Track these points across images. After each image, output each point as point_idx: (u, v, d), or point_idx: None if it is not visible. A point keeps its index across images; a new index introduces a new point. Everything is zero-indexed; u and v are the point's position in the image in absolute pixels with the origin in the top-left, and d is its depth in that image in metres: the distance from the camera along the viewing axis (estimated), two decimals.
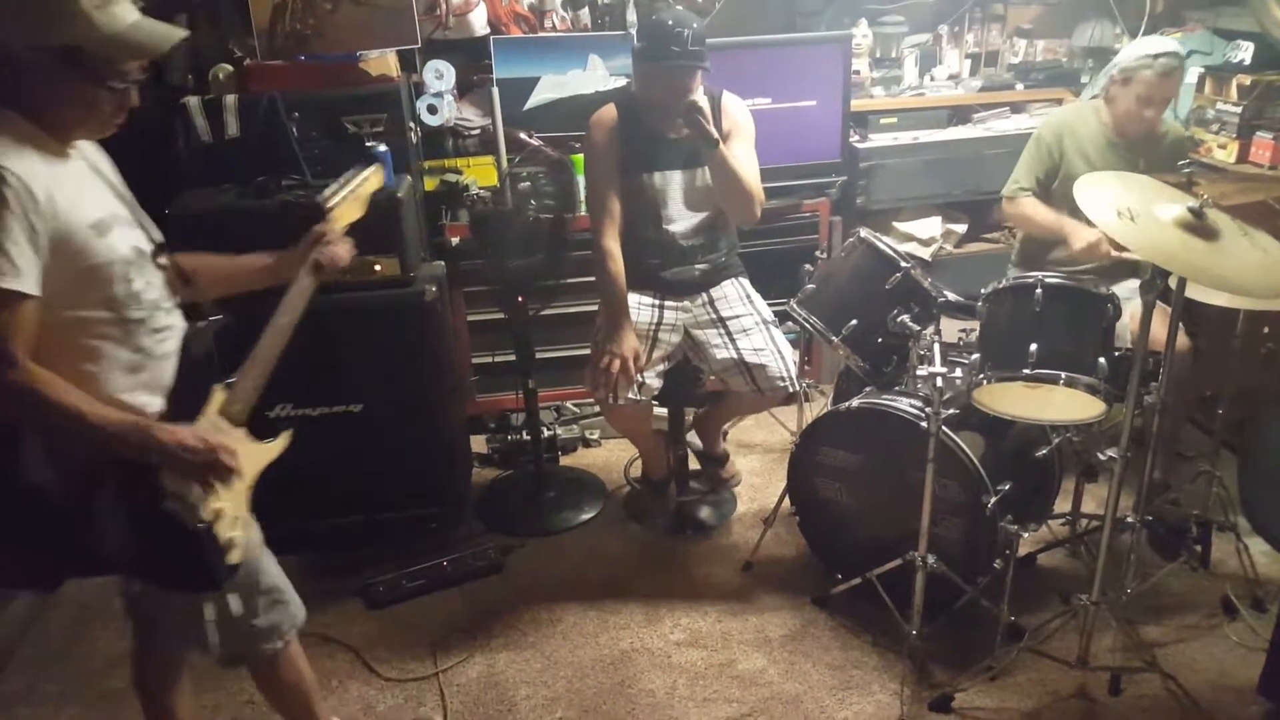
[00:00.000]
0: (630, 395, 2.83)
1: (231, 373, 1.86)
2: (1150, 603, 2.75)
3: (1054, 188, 3.13)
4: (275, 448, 1.97)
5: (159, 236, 1.87)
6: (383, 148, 2.96)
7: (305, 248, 2.01)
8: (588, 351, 3.02)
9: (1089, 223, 2.88)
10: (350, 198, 2.13)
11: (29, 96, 1.61)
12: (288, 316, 1.93)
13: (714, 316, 2.98)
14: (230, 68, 3.18)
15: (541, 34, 3.69)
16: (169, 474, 1.69)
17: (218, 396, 1.82)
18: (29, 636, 2.92)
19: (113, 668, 2.76)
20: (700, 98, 2.75)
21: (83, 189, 1.68)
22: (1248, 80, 3.45)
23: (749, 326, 2.95)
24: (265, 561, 2.04)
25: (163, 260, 1.83)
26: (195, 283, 1.91)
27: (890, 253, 2.77)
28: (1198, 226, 2.01)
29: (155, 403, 1.76)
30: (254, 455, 1.89)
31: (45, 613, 3.00)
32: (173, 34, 1.69)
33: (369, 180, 2.21)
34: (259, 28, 3.23)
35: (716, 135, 2.76)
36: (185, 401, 1.78)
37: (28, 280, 1.55)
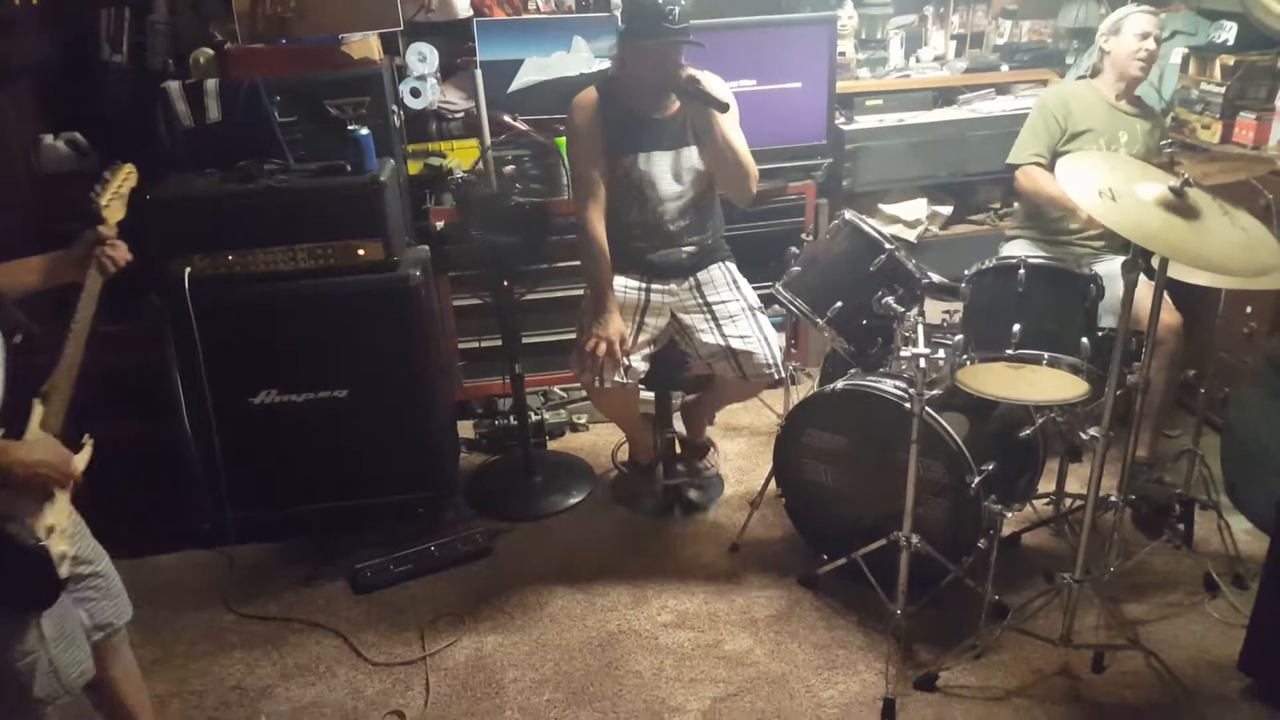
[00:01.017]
0: (616, 378, 2.83)
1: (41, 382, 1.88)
2: (1133, 581, 2.78)
3: (1060, 148, 3.16)
4: (82, 458, 1.94)
5: None
6: (365, 131, 2.95)
7: (85, 249, 2.02)
8: (574, 336, 3.02)
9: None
10: (117, 198, 2.13)
11: None
12: (81, 321, 1.95)
13: (701, 302, 2.98)
14: (211, 52, 3.17)
15: (525, 16, 3.67)
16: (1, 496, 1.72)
17: (37, 409, 1.84)
18: None
19: None
20: (695, 72, 2.74)
21: None
22: (1231, 60, 3.46)
23: (735, 313, 2.95)
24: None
25: None
26: None
27: (875, 235, 2.77)
28: (1179, 206, 2.02)
29: None
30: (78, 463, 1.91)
31: None
32: None
33: (128, 179, 2.19)
34: (239, 11, 3.20)
35: (724, 100, 2.76)
36: (11, 418, 1.80)
37: None
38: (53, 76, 3.31)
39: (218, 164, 2.96)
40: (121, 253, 2.07)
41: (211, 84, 3.00)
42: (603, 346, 2.78)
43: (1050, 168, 3.16)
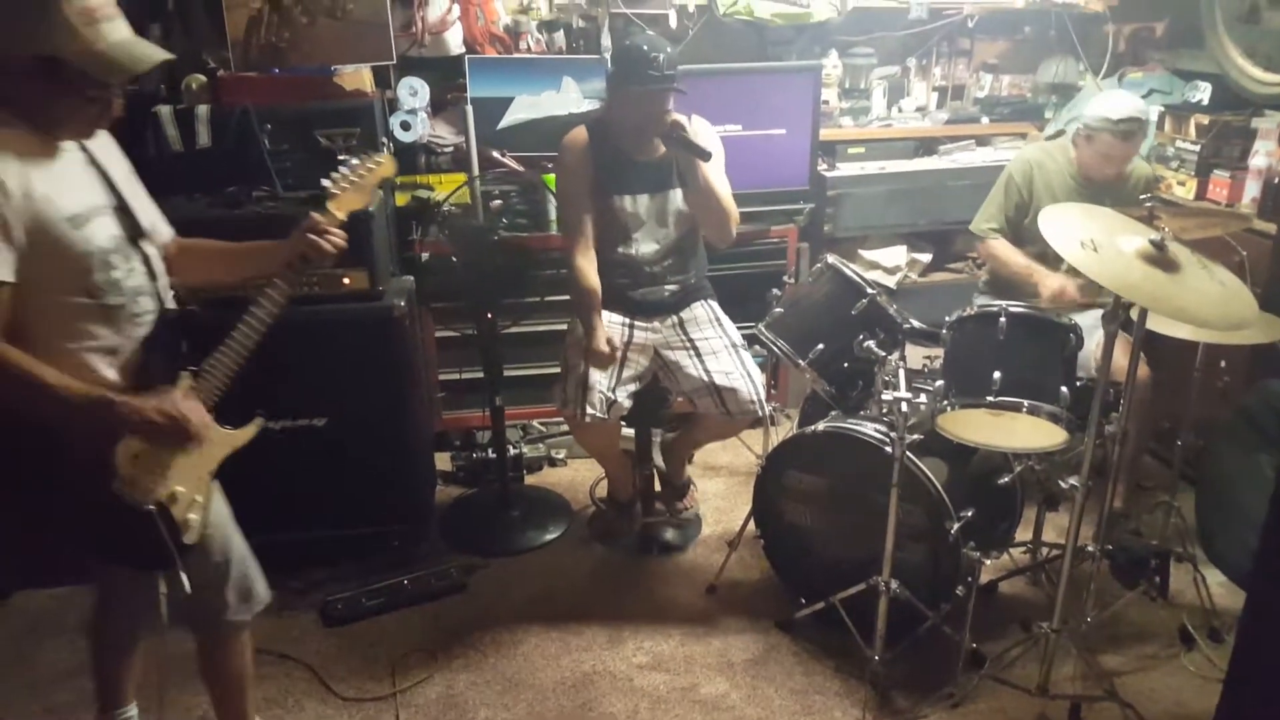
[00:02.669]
0: (598, 413, 2.82)
1: (200, 360, 1.92)
2: (1110, 632, 2.78)
3: (1024, 224, 3.21)
4: (244, 434, 2.00)
5: (151, 224, 1.95)
6: (355, 161, 2.94)
7: (296, 235, 2.01)
8: (556, 370, 3.02)
9: (1059, 262, 2.99)
10: (355, 185, 2.09)
11: (18, 96, 1.70)
12: (264, 307, 1.96)
13: (684, 338, 3.00)
14: (203, 78, 3.16)
15: (517, 55, 3.71)
16: (122, 456, 1.78)
17: (184, 381, 1.88)
18: None
19: (60, 680, 2.70)
20: (679, 116, 2.78)
21: (64, 183, 1.75)
22: (1205, 120, 3.54)
23: (718, 349, 2.97)
24: (231, 542, 2.08)
25: (146, 248, 1.89)
26: (173, 270, 2.00)
27: (857, 279, 2.80)
28: (1159, 259, 2.05)
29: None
30: (220, 441, 1.95)
31: None
32: (153, 55, 1.77)
33: (380, 168, 2.14)
34: (234, 39, 3.22)
35: (707, 148, 2.79)
36: (149, 383, 1.84)
37: (7, 268, 1.65)
38: None
39: (206, 189, 2.95)
40: (330, 243, 1.99)
41: (203, 110, 3.00)
42: (595, 356, 2.80)
43: (1011, 237, 3.23)
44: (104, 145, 1.91)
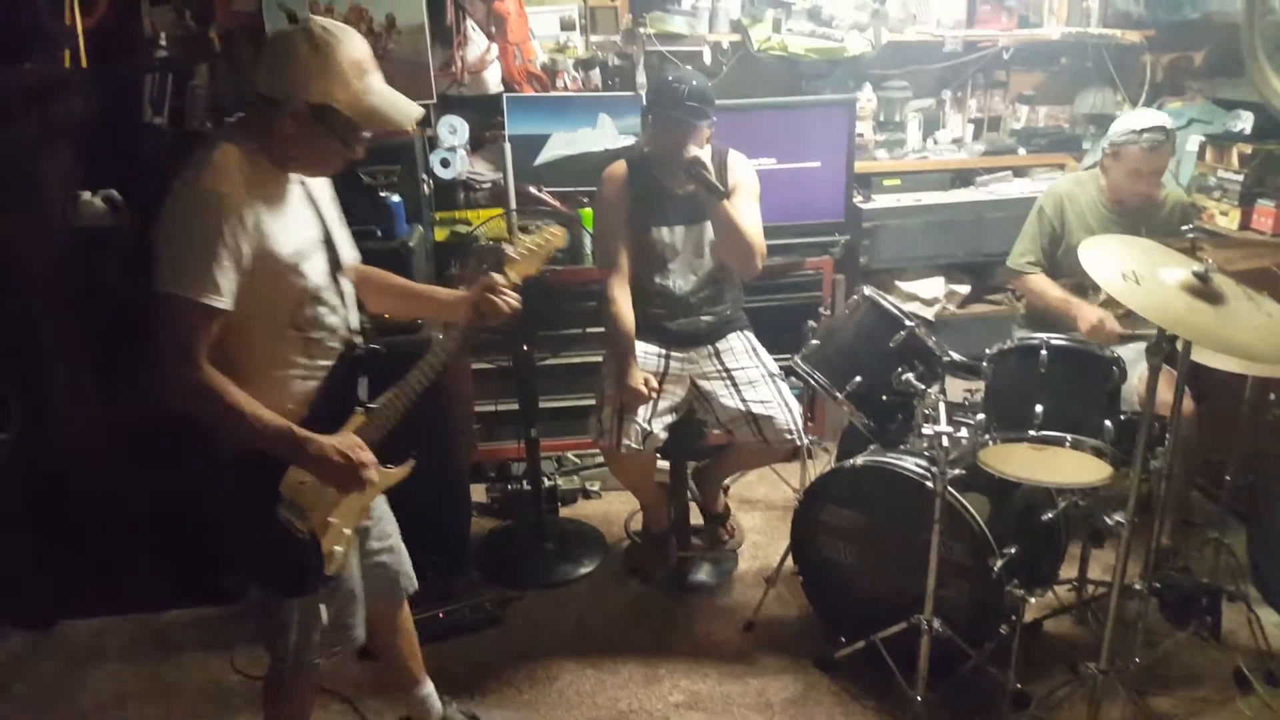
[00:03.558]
0: (633, 444, 2.82)
1: (373, 398, 2.02)
2: (1160, 673, 2.70)
3: (1059, 256, 3.18)
4: (399, 473, 2.08)
5: (348, 256, 2.01)
6: (396, 198, 3.00)
7: (476, 291, 2.07)
8: (591, 402, 3.02)
9: (1095, 294, 2.95)
10: (533, 253, 2.17)
11: (266, 134, 1.81)
12: (436, 355, 2.05)
13: (720, 368, 3.00)
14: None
15: (553, 93, 3.76)
16: (289, 483, 1.87)
17: (357, 418, 1.97)
18: (23, 675, 2.90)
19: (105, 709, 2.74)
20: (702, 153, 2.79)
21: (290, 219, 1.86)
22: (1248, 149, 3.50)
23: (755, 379, 2.96)
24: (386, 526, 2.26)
25: (345, 280, 1.99)
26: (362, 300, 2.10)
27: (895, 311, 2.78)
28: (1203, 290, 2.02)
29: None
30: (382, 477, 2.00)
31: (40, 651, 2.98)
32: (412, 111, 1.88)
33: (554, 239, 2.24)
34: None
35: (721, 186, 2.80)
36: (326, 415, 1.93)
37: (225, 298, 1.74)
38: (95, 135, 3.39)
39: None
40: (507, 303, 2.07)
41: None
42: (631, 396, 2.81)
43: (1048, 271, 3.20)
44: (317, 179, 2.00)
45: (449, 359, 2.06)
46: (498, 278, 2.07)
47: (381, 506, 2.24)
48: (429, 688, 2.50)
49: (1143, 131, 2.96)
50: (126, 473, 3.05)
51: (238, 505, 1.91)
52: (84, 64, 3.18)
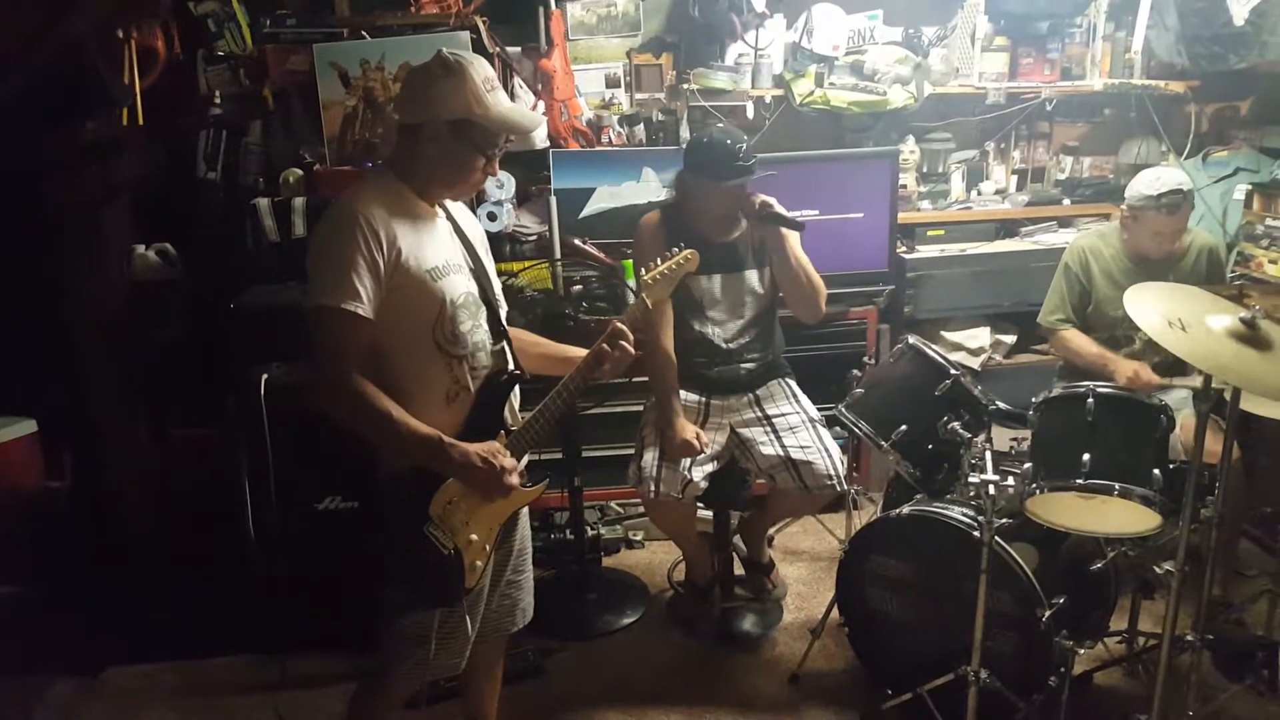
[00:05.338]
0: (673, 492, 2.83)
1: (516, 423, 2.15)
2: None
3: (1088, 313, 3.17)
4: (533, 492, 2.18)
5: (498, 290, 2.19)
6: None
7: (606, 338, 2.16)
8: (633, 451, 3.03)
9: (1128, 345, 2.93)
10: (667, 277, 2.25)
11: (415, 162, 2.00)
12: (568, 386, 2.16)
13: (760, 415, 3.00)
14: (300, 172, 3.34)
15: (598, 148, 3.83)
16: (437, 503, 1.98)
17: (500, 439, 2.07)
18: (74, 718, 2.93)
19: None
20: (766, 197, 2.85)
21: (429, 240, 2.01)
22: None
23: (795, 424, 2.96)
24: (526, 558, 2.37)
25: (495, 309, 2.13)
26: (510, 342, 2.20)
27: (940, 360, 2.78)
28: (1250, 337, 2.00)
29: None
30: (517, 496, 2.10)
31: (87, 698, 3.01)
32: (536, 119, 2.16)
33: (688, 262, 2.31)
34: (330, 135, 3.41)
35: (800, 220, 2.84)
36: (475, 434, 2.02)
37: (365, 305, 1.88)
38: (150, 190, 3.52)
39: (301, 278, 3.07)
40: (623, 353, 2.14)
41: (299, 202, 3.17)
42: (679, 447, 2.83)
43: (1080, 326, 3.18)
44: (466, 218, 2.18)
45: (582, 389, 2.17)
46: (622, 327, 2.15)
47: (526, 540, 2.36)
48: None
49: (1160, 196, 2.93)
50: (177, 522, 3.13)
51: (390, 523, 2.03)
52: (141, 122, 3.32)
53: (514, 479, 2.01)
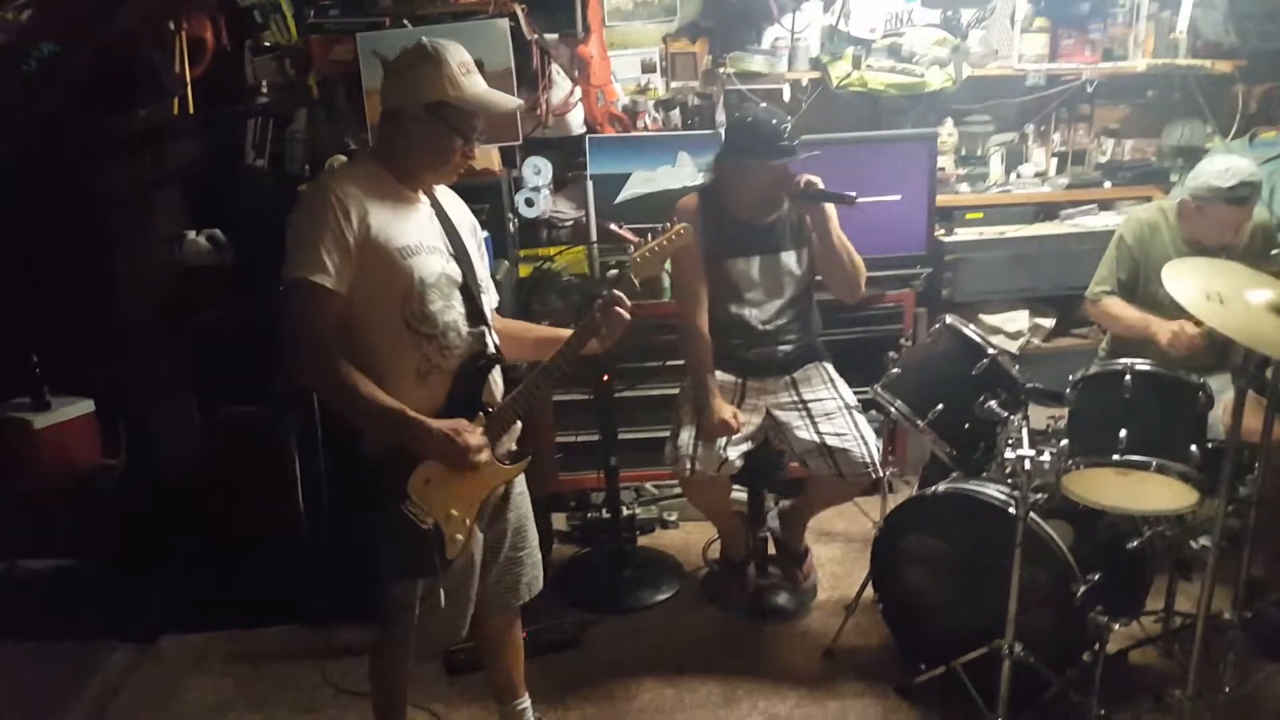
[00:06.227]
0: (708, 470, 2.87)
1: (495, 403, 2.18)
2: (1253, 707, 2.62)
3: (1138, 289, 3.13)
4: (514, 469, 2.25)
5: (484, 283, 2.23)
6: (485, 233, 3.12)
7: (599, 306, 2.21)
8: (669, 433, 3.07)
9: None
10: (655, 254, 2.28)
11: (395, 146, 2.07)
12: (555, 361, 2.20)
13: (796, 399, 3.02)
14: (344, 158, 3.40)
15: (634, 133, 3.87)
16: (415, 482, 2.04)
17: (479, 420, 2.12)
18: (128, 685, 3.04)
19: (208, 716, 2.87)
20: (811, 177, 2.87)
21: (404, 221, 2.06)
22: None
23: (831, 410, 2.98)
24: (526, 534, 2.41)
25: (473, 293, 2.15)
26: (491, 327, 2.24)
27: (977, 339, 2.79)
28: None
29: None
30: (495, 473, 2.18)
31: (143, 664, 3.12)
32: (511, 101, 2.19)
33: (680, 238, 2.30)
34: (372, 122, 3.47)
35: (850, 193, 2.85)
36: (452, 414, 2.09)
37: (332, 278, 1.94)
38: (199, 177, 3.61)
39: None
40: (619, 317, 2.20)
41: None
42: (716, 427, 2.86)
43: (1127, 299, 3.14)
44: (455, 207, 2.25)
45: (567, 369, 2.21)
46: (613, 294, 2.20)
47: (525, 516, 2.40)
48: (527, 702, 2.57)
49: (1231, 189, 2.81)
50: (228, 497, 3.22)
51: (369, 499, 2.09)
52: (191, 110, 3.41)
53: (481, 455, 2.05)
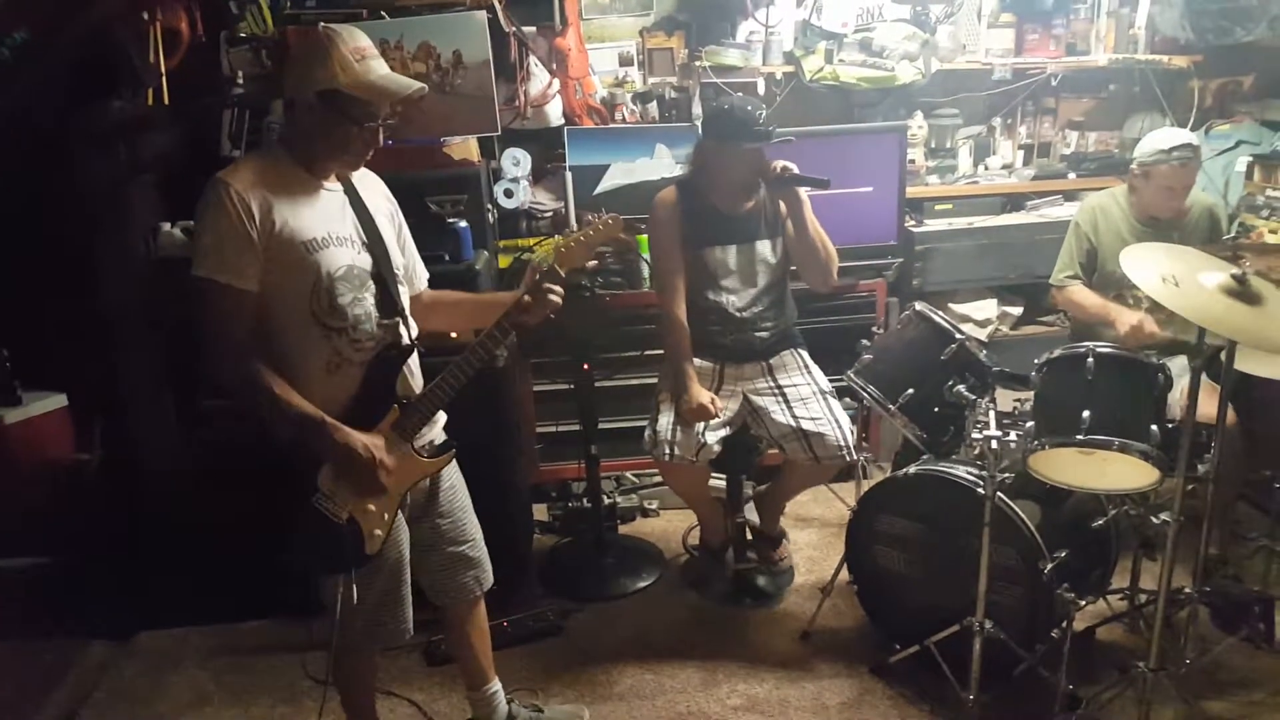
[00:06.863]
0: (686, 456, 2.92)
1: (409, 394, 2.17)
2: (1212, 677, 2.72)
3: (1095, 273, 3.24)
4: (436, 463, 2.24)
5: (405, 269, 2.22)
6: (463, 224, 3.16)
7: (523, 287, 2.20)
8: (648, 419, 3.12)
9: (1135, 306, 3.00)
10: (581, 244, 2.26)
11: (294, 136, 2.06)
12: (476, 356, 2.16)
13: (773, 384, 3.09)
14: None
15: (612, 125, 3.92)
16: (326, 475, 2.04)
17: (393, 412, 2.11)
18: (104, 682, 3.04)
19: (182, 715, 2.88)
20: (785, 162, 2.93)
21: (311, 213, 2.04)
22: None
23: (806, 396, 3.04)
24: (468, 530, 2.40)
25: (388, 285, 2.12)
26: (419, 317, 2.22)
27: (946, 325, 2.86)
28: (1241, 293, 2.08)
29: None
30: (414, 467, 2.17)
31: (120, 660, 3.13)
32: (410, 85, 2.08)
33: (607, 228, 2.29)
34: None
35: (824, 176, 2.91)
36: (365, 408, 2.09)
37: (238, 276, 1.93)
38: (175, 168, 3.60)
39: None
40: (549, 300, 2.16)
41: None
42: (694, 412, 2.91)
43: (1087, 283, 3.25)
44: (373, 191, 2.20)
45: (487, 357, 2.17)
46: (544, 268, 2.18)
47: (458, 509, 2.38)
48: (497, 686, 2.61)
49: (1173, 150, 3.01)
50: (204, 490, 3.22)
51: (282, 494, 2.08)
52: (166, 101, 3.40)
53: (385, 477, 2.05)
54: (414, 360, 2.20)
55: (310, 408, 1.99)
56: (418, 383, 2.21)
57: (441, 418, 2.26)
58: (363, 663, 2.44)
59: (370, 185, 2.21)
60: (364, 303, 2.08)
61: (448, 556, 2.36)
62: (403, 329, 2.17)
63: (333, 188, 2.11)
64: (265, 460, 2.10)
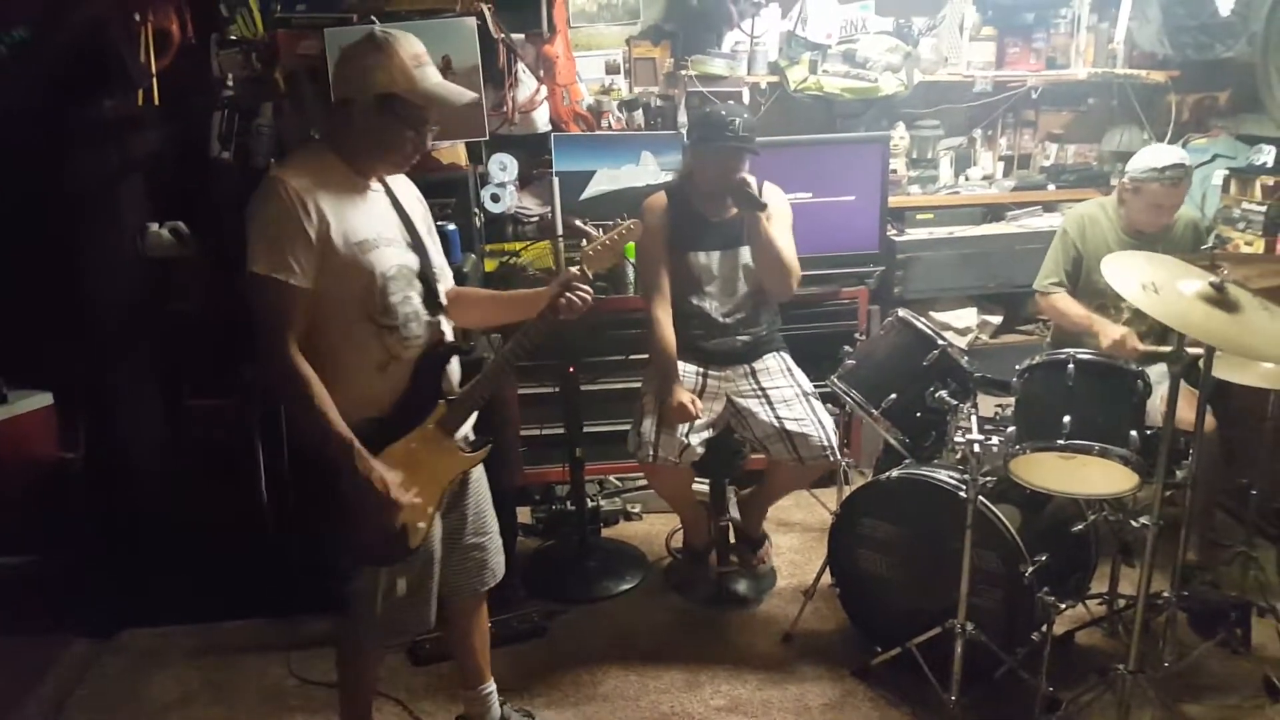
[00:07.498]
0: (670, 457, 2.94)
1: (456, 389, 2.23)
2: (1190, 681, 2.75)
3: (1080, 281, 3.28)
4: (475, 458, 2.29)
5: (439, 268, 2.24)
6: (451, 226, 3.18)
7: (554, 287, 2.23)
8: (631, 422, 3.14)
9: (1117, 314, 3.05)
10: (608, 247, 2.30)
11: (346, 136, 2.07)
12: (514, 348, 2.24)
13: (756, 387, 3.12)
14: None
15: (599, 132, 3.94)
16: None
17: (439, 409, 2.16)
18: (87, 679, 3.03)
19: (168, 711, 2.87)
20: (748, 176, 2.97)
21: (363, 214, 2.07)
22: (1270, 181, 3.60)
23: (789, 397, 3.07)
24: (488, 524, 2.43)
25: (431, 283, 2.17)
26: (448, 315, 2.24)
27: (928, 331, 2.90)
28: (1219, 300, 2.12)
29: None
30: (456, 461, 2.23)
31: (103, 658, 3.11)
32: (465, 94, 2.13)
33: (631, 232, 2.34)
34: None
35: (763, 201, 2.97)
36: (414, 404, 2.14)
37: (296, 275, 1.95)
38: (164, 169, 3.60)
39: None
40: (581, 298, 2.21)
41: None
42: (676, 412, 2.93)
43: (1071, 293, 3.29)
44: (408, 194, 2.25)
45: (525, 354, 2.24)
46: (574, 271, 2.23)
47: (483, 502, 2.42)
48: (492, 687, 2.62)
49: (1165, 169, 3.04)
50: (189, 490, 3.22)
51: (333, 488, 2.08)
52: (157, 103, 3.40)
53: (398, 516, 2.07)
54: (455, 358, 2.24)
55: (343, 427, 2.00)
56: (456, 380, 2.25)
57: (473, 414, 2.29)
58: (371, 663, 2.46)
59: (404, 187, 2.25)
60: (412, 301, 2.12)
61: (470, 547, 2.40)
62: (445, 326, 2.21)
63: (376, 188, 2.15)
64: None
